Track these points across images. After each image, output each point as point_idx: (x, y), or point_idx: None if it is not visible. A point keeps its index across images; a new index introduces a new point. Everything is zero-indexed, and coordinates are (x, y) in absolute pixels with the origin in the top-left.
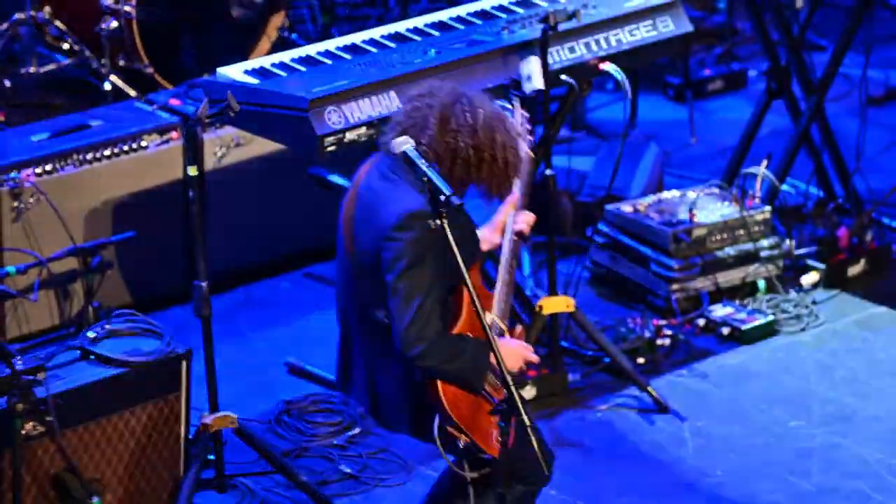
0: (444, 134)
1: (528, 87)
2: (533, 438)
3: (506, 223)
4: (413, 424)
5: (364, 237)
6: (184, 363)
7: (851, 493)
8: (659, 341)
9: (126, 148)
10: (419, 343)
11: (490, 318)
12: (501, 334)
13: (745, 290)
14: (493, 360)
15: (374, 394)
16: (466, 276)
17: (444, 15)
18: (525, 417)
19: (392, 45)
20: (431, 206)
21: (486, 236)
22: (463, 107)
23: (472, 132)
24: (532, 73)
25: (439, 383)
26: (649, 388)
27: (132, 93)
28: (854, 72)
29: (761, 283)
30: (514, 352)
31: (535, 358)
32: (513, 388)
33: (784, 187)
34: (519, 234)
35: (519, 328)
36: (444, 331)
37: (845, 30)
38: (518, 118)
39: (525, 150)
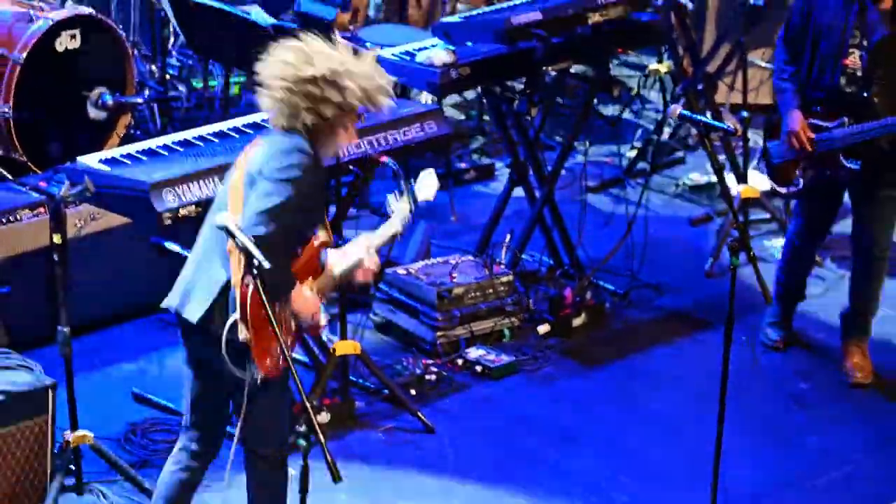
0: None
1: (419, 196)
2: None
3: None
4: (209, 313)
5: (260, 159)
6: (50, 392)
7: (575, 496)
8: (427, 377)
9: (4, 220)
10: (269, 225)
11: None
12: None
13: (494, 336)
14: (295, 305)
15: (187, 288)
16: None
17: (257, 117)
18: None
19: (216, 140)
20: (247, 268)
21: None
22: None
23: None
24: (425, 185)
25: (250, 288)
26: (419, 414)
27: (9, 176)
28: (576, 166)
29: (506, 331)
30: (312, 302)
31: (321, 319)
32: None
33: (524, 256)
34: (393, 235)
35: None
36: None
37: (570, 134)
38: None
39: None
